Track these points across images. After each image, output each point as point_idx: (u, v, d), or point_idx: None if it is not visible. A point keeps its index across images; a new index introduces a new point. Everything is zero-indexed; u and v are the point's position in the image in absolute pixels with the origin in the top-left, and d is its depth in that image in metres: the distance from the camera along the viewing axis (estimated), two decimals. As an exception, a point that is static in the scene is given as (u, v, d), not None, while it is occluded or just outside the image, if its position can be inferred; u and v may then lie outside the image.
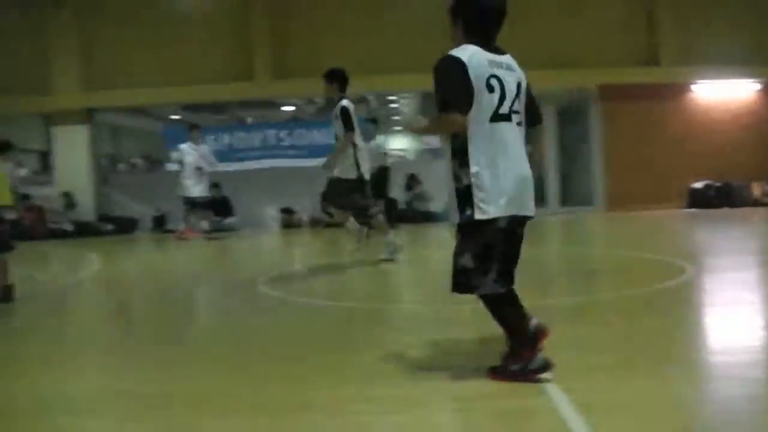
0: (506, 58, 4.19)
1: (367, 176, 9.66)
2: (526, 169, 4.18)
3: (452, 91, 4.05)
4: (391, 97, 22.46)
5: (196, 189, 14.88)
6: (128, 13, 17.87)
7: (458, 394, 4.17)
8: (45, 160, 23.73)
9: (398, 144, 25.33)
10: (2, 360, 5.72)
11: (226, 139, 18.17)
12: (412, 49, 16.30)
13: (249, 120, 21.55)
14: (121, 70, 17.69)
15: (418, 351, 5.09)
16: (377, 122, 15.90)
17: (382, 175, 14.78)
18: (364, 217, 9.95)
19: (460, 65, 4.00)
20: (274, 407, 4.13)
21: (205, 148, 15.19)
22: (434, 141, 22.99)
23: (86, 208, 17.75)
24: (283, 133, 18.24)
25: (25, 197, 18.06)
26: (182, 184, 14.84)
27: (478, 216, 4.06)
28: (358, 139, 9.52)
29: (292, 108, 21.50)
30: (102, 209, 18.21)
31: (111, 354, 5.79)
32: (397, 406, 4.04)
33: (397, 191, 16.92)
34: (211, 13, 18.05)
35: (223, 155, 17.07)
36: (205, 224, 15.39)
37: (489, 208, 4.05)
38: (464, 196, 4.11)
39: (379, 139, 15.80)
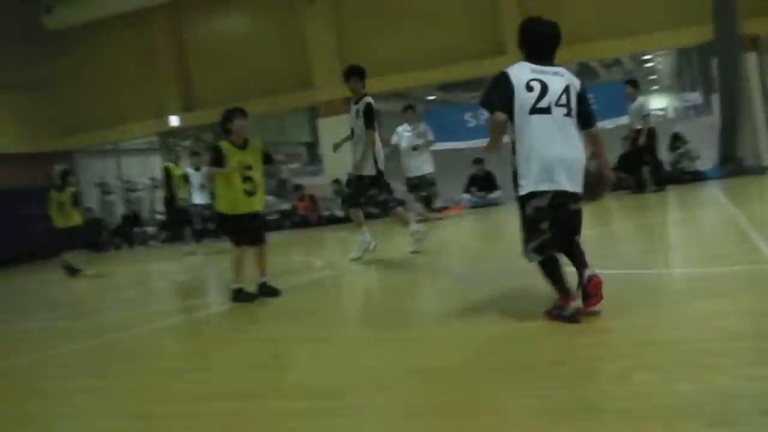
0: (556, 69, 5.32)
1: (383, 170, 9.70)
2: (563, 152, 5.15)
3: (493, 96, 5.31)
4: (646, 57, 21.55)
5: (416, 168, 15.01)
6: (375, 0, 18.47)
7: None
8: (313, 151, 25.14)
9: (657, 104, 24.26)
10: (295, 342, 6.09)
11: (485, 114, 18.19)
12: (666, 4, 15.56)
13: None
14: (376, 56, 18.23)
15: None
16: None
17: (650, 136, 14.62)
18: (385, 211, 10.04)
19: (503, 75, 5.27)
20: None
21: (422, 126, 15.26)
22: (695, 97, 21.80)
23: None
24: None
25: (298, 187, 19.24)
26: (403, 165, 15.08)
27: (520, 192, 5.24)
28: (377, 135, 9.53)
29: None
30: (369, 193, 18.92)
31: (391, 331, 5.98)
32: None
33: (662, 152, 16.18)
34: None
35: (482, 131, 17.14)
36: (418, 207, 15.26)
37: (524, 183, 5.20)
38: (514, 177, 5.33)
39: (640, 99, 15.20)
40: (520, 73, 5.25)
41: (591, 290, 5.12)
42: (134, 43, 21.11)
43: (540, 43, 5.40)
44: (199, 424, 4.20)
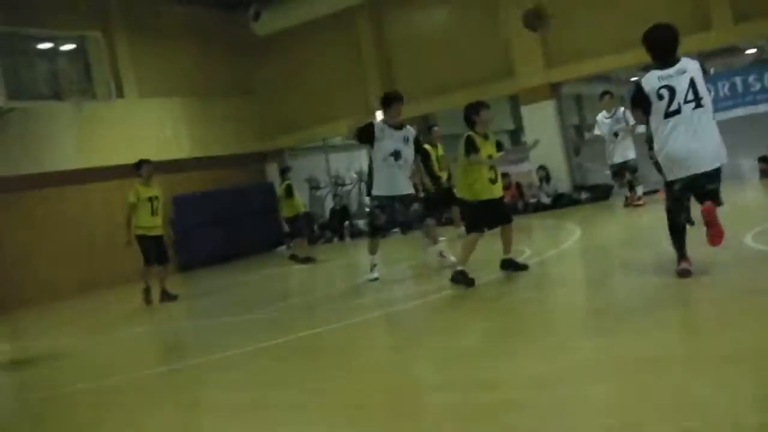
0: (676, 67, 6.34)
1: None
2: (693, 143, 6.27)
3: (634, 103, 6.62)
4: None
5: (618, 155, 14.56)
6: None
7: None
8: (516, 139, 25.03)
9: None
10: (504, 334, 6.15)
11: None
12: None
13: (710, 71, 20.48)
14: (578, 41, 17.90)
15: None
16: None
17: None
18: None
19: (638, 87, 6.49)
20: None
21: (620, 111, 14.72)
22: None
23: (561, 180, 18.28)
24: (751, 78, 17.09)
25: (504, 175, 19.16)
26: (606, 152, 14.73)
27: (668, 178, 6.48)
28: None
29: (753, 50, 20.02)
30: (575, 179, 18.64)
31: (601, 319, 5.93)
32: None
33: None
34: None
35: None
36: (639, 189, 14.75)
37: (668, 174, 6.44)
38: (657, 167, 6.63)
39: None
40: (650, 82, 6.35)
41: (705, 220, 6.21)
42: (338, 43, 21.75)
43: (661, 47, 6.47)
44: (410, 413, 4.32)
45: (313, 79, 22.06)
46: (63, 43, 15.49)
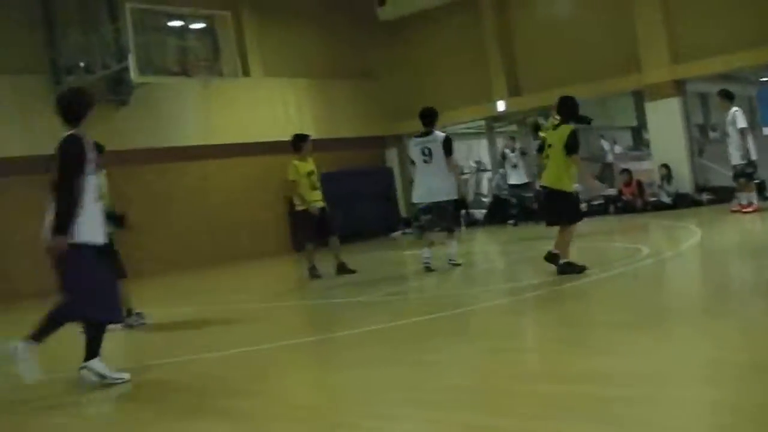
0: None
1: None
2: None
3: None
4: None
5: (732, 156, 13.92)
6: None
7: None
8: (638, 136, 24.29)
9: None
10: (616, 326, 5.96)
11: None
12: None
13: None
14: (709, 37, 17.20)
15: None
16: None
17: None
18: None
19: None
20: None
21: (731, 113, 13.92)
22: None
23: (683, 180, 17.62)
24: None
25: (625, 171, 18.66)
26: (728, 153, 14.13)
27: None
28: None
29: None
30: (698, 180, 17.96)
31: (715, 321, 5.68)
32: None
33: None
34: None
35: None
36: (751, 197, 14.10)
37: None
38: None
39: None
40: None
41: None
42: (462, 31, 21.59)
43: None
44: (516, 403, 4.25)
45: (436, 66, 21.98)
46: (193, 22, 15.85)
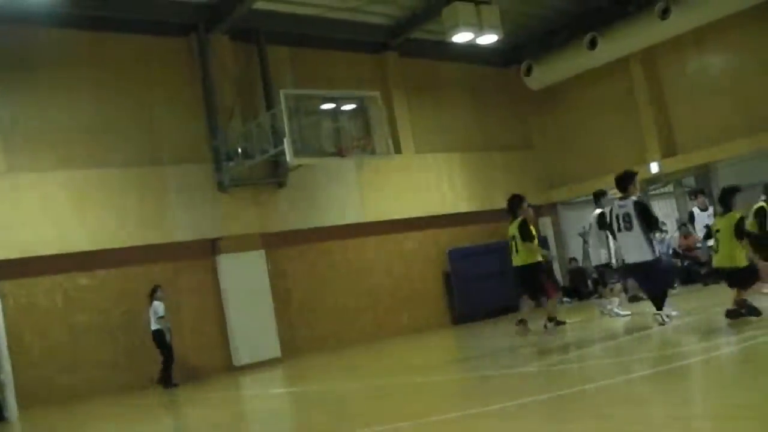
0: None
1: None
2: None
3: None
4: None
5: None
6: None
7: None
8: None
9: None
10: None
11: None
12: None
13: None
14: None
15: None
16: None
17: None
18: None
19: None
20: None
21: None
22: None
23: None
24: None
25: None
26: None
27: None
28: None
29: None
30: None
31: None
32: None
33: None
34: None
35: None
36: None
37: None
38: None
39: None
40: None
41: None
42: (612, 94, 21.27)
43: None
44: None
45: (588, 131, 21.75)
46: (345, 103, 16.27)
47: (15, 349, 13.49)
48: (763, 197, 11.83)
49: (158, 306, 14.47)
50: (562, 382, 7.78)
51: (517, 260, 12.35)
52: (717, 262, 9.92)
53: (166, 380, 14.43)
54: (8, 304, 13.96)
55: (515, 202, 12.72)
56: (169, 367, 14.54)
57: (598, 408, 6.05)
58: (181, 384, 14.51)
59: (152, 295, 14.60)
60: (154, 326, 14.46)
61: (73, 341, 14.75)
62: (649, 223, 10.63)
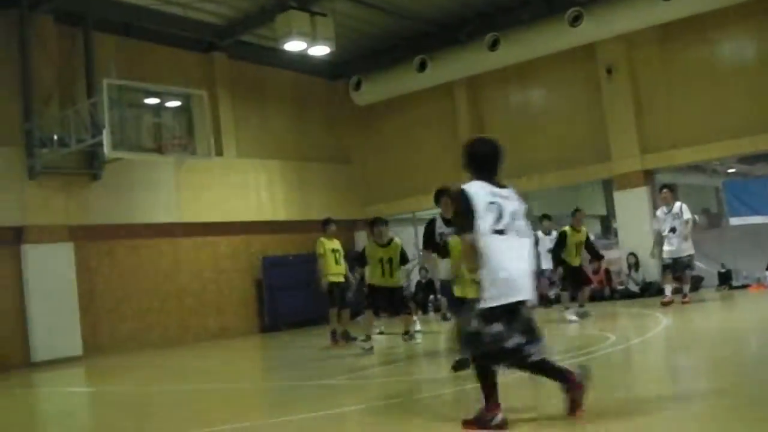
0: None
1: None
2: None
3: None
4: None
5: (669, 251, 14.49)
6: (680, 73, 17.85)
7: None
8: (606, 224, 24.55)
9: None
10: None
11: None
12: None
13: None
14: (677, 129, 17.69)
15: None
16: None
17: None
18: None
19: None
20: None
21: (677, 206, 14.48)
22: None
23: (650, 268, 17.69)
24: None
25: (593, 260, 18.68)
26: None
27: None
28: None
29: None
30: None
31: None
32: None
33: None
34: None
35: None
36: (680, 286, 14.69)
37: None
38: None
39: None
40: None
41: None
42: (434, 117, 21.81)
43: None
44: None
45: (407, 151, 22.26)
46: (169, 99, 15.95)
47: None
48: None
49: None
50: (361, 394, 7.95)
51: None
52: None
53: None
54: None
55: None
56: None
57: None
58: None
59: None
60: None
61: None
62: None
